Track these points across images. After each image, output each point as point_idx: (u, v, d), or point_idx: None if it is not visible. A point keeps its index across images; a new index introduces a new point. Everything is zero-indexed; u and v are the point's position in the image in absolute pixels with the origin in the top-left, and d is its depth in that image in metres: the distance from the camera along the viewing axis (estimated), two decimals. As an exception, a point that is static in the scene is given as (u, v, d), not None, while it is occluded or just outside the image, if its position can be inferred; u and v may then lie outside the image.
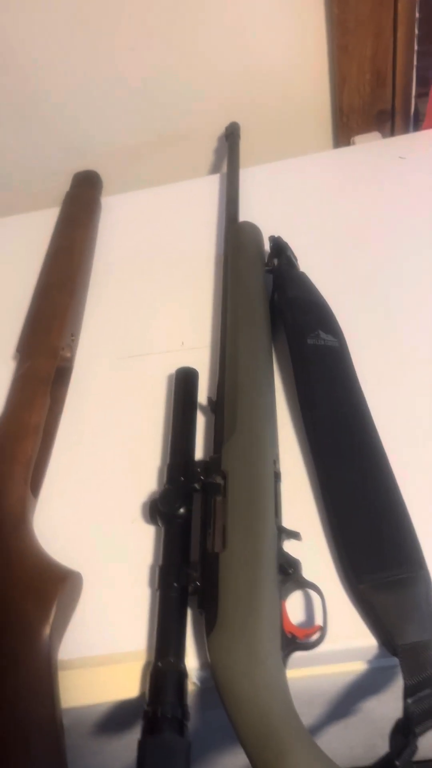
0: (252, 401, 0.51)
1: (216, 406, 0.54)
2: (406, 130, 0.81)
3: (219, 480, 0.48)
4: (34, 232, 0.78)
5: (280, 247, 0.61)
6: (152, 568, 0.49)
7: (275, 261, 0.62)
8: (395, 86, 0.76)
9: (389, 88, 0.76)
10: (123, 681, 0.44)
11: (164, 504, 0.48)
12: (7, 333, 0.68)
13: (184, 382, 0.56)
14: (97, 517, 0.53)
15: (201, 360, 0.61)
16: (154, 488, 0.53)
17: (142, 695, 0.43)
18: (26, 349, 0.59)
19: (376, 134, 0.80)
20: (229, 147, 0.77)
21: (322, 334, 0.56)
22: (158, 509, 0.48)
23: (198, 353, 0.62)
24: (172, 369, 0.61)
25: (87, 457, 0.57)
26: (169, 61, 0.79)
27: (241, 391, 0.51)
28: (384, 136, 0.81)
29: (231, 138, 0.78)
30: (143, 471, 0.55)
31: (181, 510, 0.48)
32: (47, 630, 0.44)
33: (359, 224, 0.70)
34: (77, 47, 0.77)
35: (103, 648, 0.46)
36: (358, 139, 0.79)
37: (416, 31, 0.72)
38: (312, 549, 0.46)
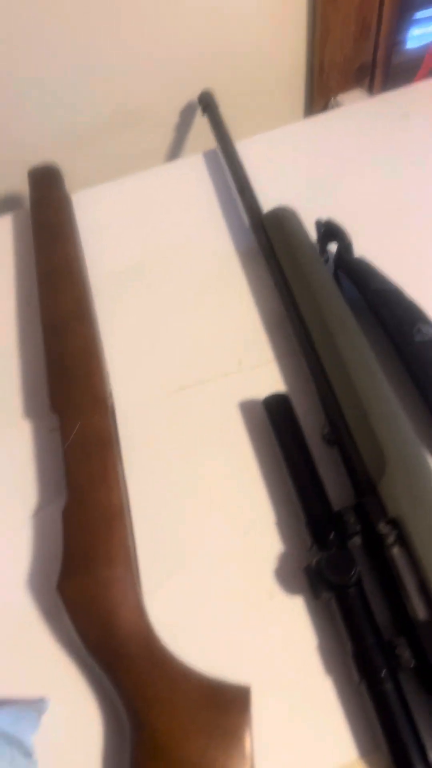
0: (391, 425, 0.42)
1: (335, 438, 0.45)
2: (385, 84, 0.75)
3: (386, 529, 0.39)
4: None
5: (335, 232, 0.52)
6: (323, 651, 0.39)
7: (330, 248, 0.53)
8: (378, 37, 0.68)
9: (372, 40, 0.69)
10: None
11: (335, 573, 0.38)
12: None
13: (281, 414, 0.46)
14: (220, 602, 0.42)
15: (272, 379, 0.51)
16: (281, 549, 0.44)
17: None
18: (67, 406, 0.46)
19: (359, 92, 0.72)
20: (210, 121, 0.65)
21: (423, 328, 0.48)
22: (327, 579, 0.38)
23: (263, 372, 0.52)
24: (238, 395, 0.51)
25: (176, 529, 0.45)
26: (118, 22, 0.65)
27: (372, 415, 0.42)
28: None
29: (209, 110, 0.66)
30: (254, 530, 0.45)
31: (355, 576, 0.39)
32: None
33: (383, 195, 0.62)
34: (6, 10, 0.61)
35: (307, 770, 0.36)
36: (343, 98, 0.71)
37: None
38: None
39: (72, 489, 0.42)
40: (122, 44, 0.66)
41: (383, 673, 0.36)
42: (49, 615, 0.42)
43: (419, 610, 0.37)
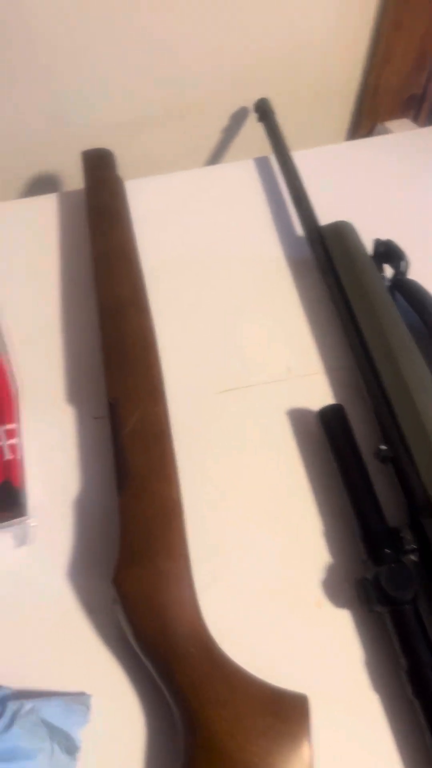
0: (452, 447, 0.43)
1: (390, 455, 0.45)
2: (429, 118, 0.76)
3: (444, 549, 0.40)
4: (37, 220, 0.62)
5: (395, 253, 0.53)
6: (371, 664, 0.39)
7: (386, 269, 0.54)
8: (432, 69, 0.70)
9: (426, 71, 0.70)
10: None
11: (394, 587, 0.38)
12: (40, 363, 0.53)
13: (337, 425, 0.46)
14: (267, 608, 0.42)
15: (320, 390, 0.52)
16: (329, 560, 0.43)
17: None
18: (125, 393, 0.44)
19: (406, 121, 0.73)
20: (267, 129, 0.65)
21: None
22: (385, 593, 0.38)
23: (312, 382, 0.52)
24: (287, 402, 0.51)
25: (222, 530, 0.45)
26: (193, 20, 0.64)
27: (434, 436, 0.43)
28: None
29: (266, 118, 0.66)
30: (301, 538, 0.44)
31: (413, 592, 0.39)
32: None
33: (426, 224, 0.63)
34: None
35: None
36: (391, 125, 0.72)
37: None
38: None
39: (131, 479, 0.41)
40: (188, 41, 0.66)
41: (438, 690, 0.36)
42: (94, 610, 0.41)
43: (474, 631, 0.37)
